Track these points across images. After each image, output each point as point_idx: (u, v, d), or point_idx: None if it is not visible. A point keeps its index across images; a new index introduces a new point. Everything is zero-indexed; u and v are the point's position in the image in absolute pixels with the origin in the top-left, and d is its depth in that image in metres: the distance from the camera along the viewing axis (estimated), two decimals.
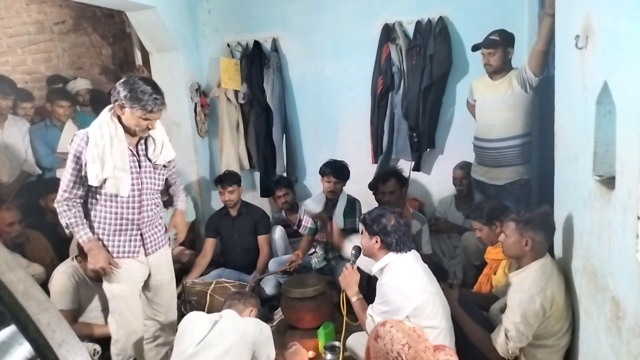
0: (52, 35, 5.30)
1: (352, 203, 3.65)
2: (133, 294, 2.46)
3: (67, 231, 2.35)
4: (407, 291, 2.16)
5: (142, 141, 2.42)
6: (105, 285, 2.43)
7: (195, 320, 2.28)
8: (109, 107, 2.33)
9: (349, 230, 3.51)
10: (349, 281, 2.48)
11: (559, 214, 2.34)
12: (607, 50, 1.63)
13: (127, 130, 2.30)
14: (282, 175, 4.26)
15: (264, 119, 4.25)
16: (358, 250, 2.58)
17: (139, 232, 2.43)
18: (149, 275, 2.53)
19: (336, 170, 3.56)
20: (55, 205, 2.31)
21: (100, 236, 2.35)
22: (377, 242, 2.33)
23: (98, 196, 2.32)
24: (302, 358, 2.65)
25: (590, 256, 1.88)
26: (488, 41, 3.13)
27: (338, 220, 3.57)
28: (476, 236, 3.04)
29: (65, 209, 2.28)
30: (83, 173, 2.25)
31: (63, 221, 2.31)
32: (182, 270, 3.74)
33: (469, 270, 3.40)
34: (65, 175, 2.28)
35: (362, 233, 2.44)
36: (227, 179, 3.80)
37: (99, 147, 2.22)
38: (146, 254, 2.47)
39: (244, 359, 2.17)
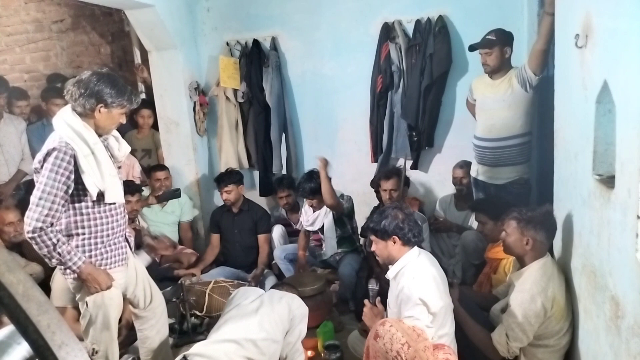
0: (50, 33, 5.29)
1: (347, 201, 3.59)
2: (120, 302, 2.28)
3: (52, 262, 2.06)
4: (428, 299, 2.11)
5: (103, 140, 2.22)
6: (88, 296, 2.16)
7: (247, 289, 2.65)
8: (68, 111, 2.10)
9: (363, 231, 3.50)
10: (370, 318, 2.33)
11: (558, 213, 2.34)
12: (607, 49, 1.63)
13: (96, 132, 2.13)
14: (284, 175, 4.25)
15: (263, 118, 4.24)
16: (376, 283, 2.50)
17: (124, 236, 2.31)
18: (130, 287, 2.36)
19: (306, 191, 3.54)
20: (33, 235, 1.97)
21: (93, 252, 2.14)
22: (394, 242, 2.26)
23: (89, 210, 2.11)
24: (303, 358, 2.65)
25: (589, 255, 1.88)
26: (484, 41, 3.13)
27: (328, 229, 3.57)
28: (478, 229, 3.05)
29: (51, 236, 1.98)
30: (70, 191, 2.04)
31: (49, 251, 2.00)
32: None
33: (468, 270, 3.40)
34: (46, 197, 1.97)
35: (373, 243, 2.36)
36: (224, 179, 3.78)
37: (88, 157, 2.05)
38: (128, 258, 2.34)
39: (283, 325, 2.39)
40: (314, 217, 3.60)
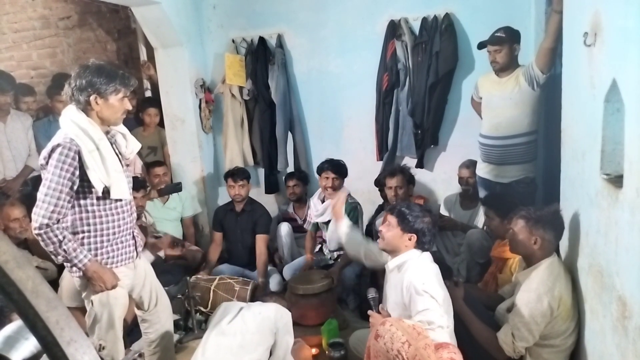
0: (57, 30, 5.31)
1: (354, 208, 3.55)
2: (125, 302, 2.27)
3: (58, 259, 2.06)
4: (434, 292, 2.12)
5: (111, 137, 2.20)
6: (93, 295, 2.16)
7: (227, 306, 2.50)
8: (72, 108, 2.09)
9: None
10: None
11: (565, 213, 2.33)
12: (616, 48, 1.62)
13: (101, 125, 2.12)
14: (299, 169, 4.26)
15: (269, 116, 4.25)
16: (375, 292, 2.47)
17: (132, 234, 2.28)
18: (136, 288, 2.35)
19: (333, 166, 3.52)
20: (40, 232, 1.97)
21: (99, 250, 2.13)
22: (410, 239, 2.28)
23: (95, 207, 2.10)
24: (305, 354, 2.66)
25: (596, 255, 1.87)
26: (494, 38, 3.11)
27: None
28: (485, 223, 3.04)
29: (57, 233, 1.98)
30: (76, 187, 2.02)
31: (55, 248, 2.00)
32: (186, 267, 3.75)
33: (473, 268, 3.39)
34: (51, 194, 1.96)
35: (387, 224, 2.33)
36: (238, 173, 3.83)
37: (93, 152, 2.03)
38: (137, 256, 2.33)
39: (267, 342, 2.30)
40: (323, 208, 3.57)
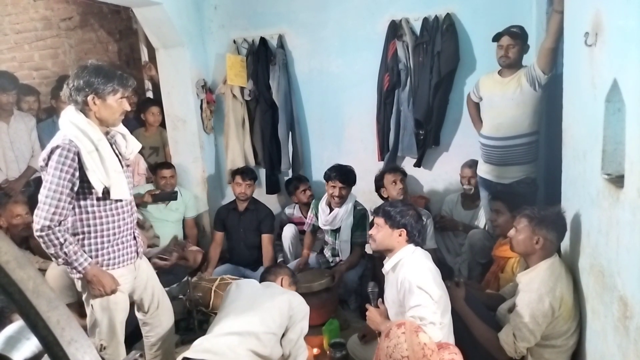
0: (59, 31, 5.32)
1: (363, 215, 3.53)
2: (126, 306, 2.27)
3: (58, 262, 2.06)
4: (429, 288, 2.14)
5: (110, 138, 2.20)
6: (93, 299, 2.15)
7: (242, 282, 2.60)
8: (71, 109, 2.10)
9: (359, 244, 3.47)
10: (375, 320, 2.33)
11: (566, 213, 2.33)
12: (616, 48, 1.62)
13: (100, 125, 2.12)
14: (299, 174, 4.26)
15: (270, 116, 4.25)
16: (375, 286, 2.48)
17: (133, 235, 2.28)
18: (137, 290, 2.35)
19: (342, 175, 3.46)
20: (41, 234, 1.98)
21: (100, 251, 2.13)
22: (400, 234, 2.31)
23: (95, 208, 2.10)
24: (306, 355, 2.66)
25: (597, 255, 1.87)
26: (512, 32, 3.09)
27: (344, 232, 3.51)
28: (491, 218, 3.03)
29: (59, 235, 1.98)
30: (76, 188, 2.03)
31: (55, 250, 2.00)
32: (187, 268, 3.75)
33: (475, 268, 3.39)
34: (52, 196, 1.96)
35: (376, 226, 2.38)
36: (247, 172, 3.87)
37: (92, 153, 2.03)
38: (138, 257, 2.32)
39: (282, 321, 2.34)
40: (332, 216, 3.53)
